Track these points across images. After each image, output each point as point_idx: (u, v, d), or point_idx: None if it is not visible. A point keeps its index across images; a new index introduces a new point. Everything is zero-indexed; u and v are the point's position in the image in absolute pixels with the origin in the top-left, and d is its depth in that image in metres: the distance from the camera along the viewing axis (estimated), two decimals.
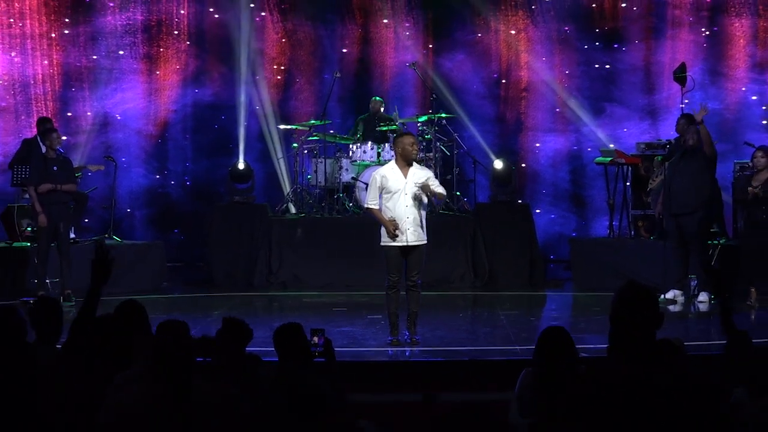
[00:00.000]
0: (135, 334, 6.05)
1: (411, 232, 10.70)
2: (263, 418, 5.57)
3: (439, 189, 10.85)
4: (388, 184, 10.78)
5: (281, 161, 17.56)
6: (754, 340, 6.06)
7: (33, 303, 6.93)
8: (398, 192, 10.75)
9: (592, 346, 9.14)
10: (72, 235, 14.85)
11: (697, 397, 4.66)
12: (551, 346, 5.84)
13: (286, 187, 17.22)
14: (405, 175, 10.77)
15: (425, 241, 10.80)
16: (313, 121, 16.60)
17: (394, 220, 10.70)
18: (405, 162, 10.83)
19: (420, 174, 10.81)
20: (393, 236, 10.71)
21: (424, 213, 10.80)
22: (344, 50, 18.69)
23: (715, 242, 14.57)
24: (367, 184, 15.31)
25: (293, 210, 16.25)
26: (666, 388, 4.63)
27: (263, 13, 18.42)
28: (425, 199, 10.78)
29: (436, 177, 11.56)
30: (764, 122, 18.02)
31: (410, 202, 10.73)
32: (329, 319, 12.21)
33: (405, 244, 10.71)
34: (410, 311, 10.87)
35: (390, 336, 10.91)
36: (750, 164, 14.48)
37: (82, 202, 15.81)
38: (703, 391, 4.69)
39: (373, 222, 11.26)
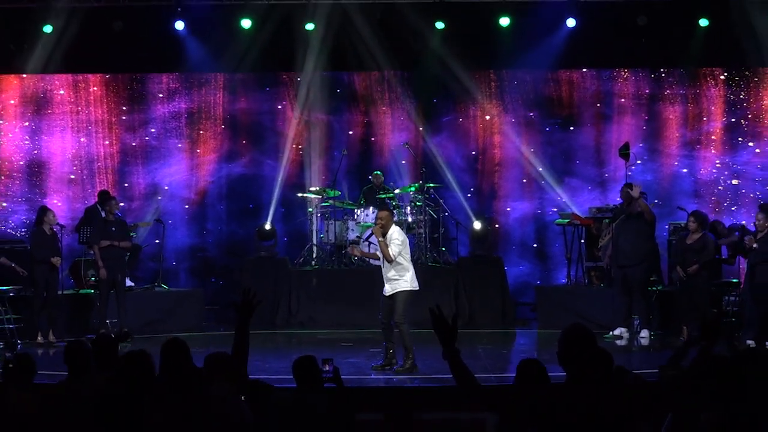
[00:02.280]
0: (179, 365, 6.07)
1: (385, 285, 11.00)
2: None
3: (386, 245, 10.90)
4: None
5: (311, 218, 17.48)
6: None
7: (94, 339, 7.00)
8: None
9: (554, 374, 9.12)
10: (129, 284, 14.92)
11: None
12: (529, 374, 5.81)
13: (312, 240, 17.02)
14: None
15: (396, 290, 10.94)
16: (326, 190, 16.68)
17: None
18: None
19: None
20: None
21: (394, 271, 10.94)
22: (350, 132, 18.78)
23: (654, 289, 14.60)
24: (369, 242, 15.43)
25: (314, 263, 16.27)
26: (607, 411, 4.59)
27: (284, 102, 18.56)
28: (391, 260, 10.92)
29: (426, 234, 11.50)
30: (693, 190, 18.09)
31: (384, 262, 10.92)
32: (338, 352, 12.25)
33: (383, 294, 11.00)
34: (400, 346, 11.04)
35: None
36: (683, 225, 14.52)
37: (135, 253, 15.87)
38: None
39: (375, 273, 11.55)
